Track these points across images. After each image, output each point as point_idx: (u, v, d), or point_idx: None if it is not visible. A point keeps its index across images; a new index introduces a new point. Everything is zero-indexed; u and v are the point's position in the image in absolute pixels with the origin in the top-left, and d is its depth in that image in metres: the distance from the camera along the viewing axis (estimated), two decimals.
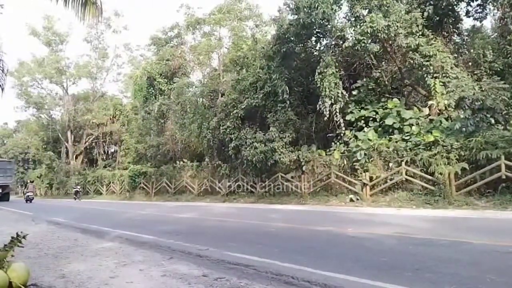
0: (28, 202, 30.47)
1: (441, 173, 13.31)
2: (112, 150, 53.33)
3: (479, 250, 5.72)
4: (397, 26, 15.97)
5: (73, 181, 42.86)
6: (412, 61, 16.71)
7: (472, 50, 18.46)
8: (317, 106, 17.82)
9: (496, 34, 19.40)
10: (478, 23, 19.82)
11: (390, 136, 16.28)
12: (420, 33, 16.61)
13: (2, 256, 3.14)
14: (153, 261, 5.46)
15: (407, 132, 15.99)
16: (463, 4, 18.68)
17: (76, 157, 50.13)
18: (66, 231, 9.65)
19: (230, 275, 4.56)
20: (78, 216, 15.29)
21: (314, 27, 18.44)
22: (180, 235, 8.31)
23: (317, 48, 21.27)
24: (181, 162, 28.39)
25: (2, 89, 8.50)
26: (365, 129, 17.34)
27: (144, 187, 31.29)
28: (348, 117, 17.92)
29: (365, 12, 17.02)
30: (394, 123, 16.60)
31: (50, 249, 6.77)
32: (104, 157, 50.76)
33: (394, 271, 4.56)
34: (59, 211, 18.78)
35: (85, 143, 49.99)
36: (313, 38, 20.48)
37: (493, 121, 13.76)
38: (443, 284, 3.92)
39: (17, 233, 3.39)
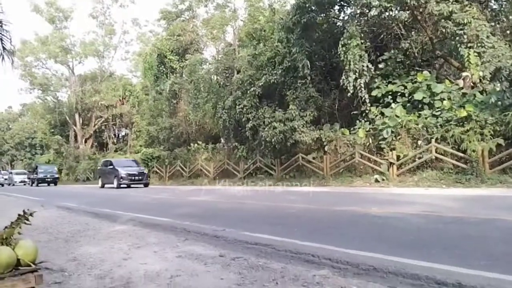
0: None
1: (474, 150, 13.32)
2: (123, 133, 54.08)
3: None
4: None
5: (82, 166, 43.52)
6: (444, 30, 16.42)
7: (510, 17, 17.97)
8: (341, 81, 17.73)
9: None
10: None
11: (419, 112, 16.23)
12: None
13: (9, 234, 3.26)
14: (168, 243, 5.64)
15: (437, 107, 15.89)
16: None
17: (86, 141, 50.93)
18: (77, 216, 9.90)
19: (247, 255, 4.73)
20: (89, 201, 15.65)
21: None
22: (196, 217, 8.48)
23: (341, 17, 21.12)
24: (196, 145, 28.73)
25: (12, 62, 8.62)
26: (393, 105, 17.27)
27: (158, 171, 31.90)
28: (374, 93, 17.82)
29: None
30: (424, 98, 16.47)
31: (60, 233, 6.98)
32: (115, 141, 51.49)
33: (421, 249, 4.64)
34: (69, 197, 19.20)
35: (94, 126, 50.72)
36: (336, 7, 20.30)
37: None
38: (473, 260, 3.97)
39: (23, 210, 3.51)
